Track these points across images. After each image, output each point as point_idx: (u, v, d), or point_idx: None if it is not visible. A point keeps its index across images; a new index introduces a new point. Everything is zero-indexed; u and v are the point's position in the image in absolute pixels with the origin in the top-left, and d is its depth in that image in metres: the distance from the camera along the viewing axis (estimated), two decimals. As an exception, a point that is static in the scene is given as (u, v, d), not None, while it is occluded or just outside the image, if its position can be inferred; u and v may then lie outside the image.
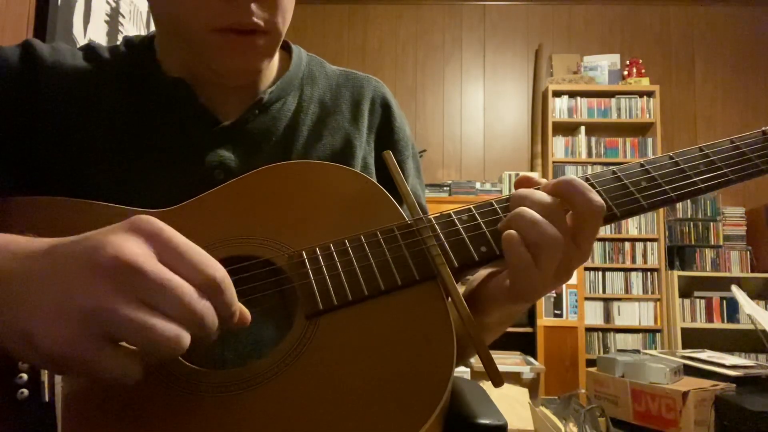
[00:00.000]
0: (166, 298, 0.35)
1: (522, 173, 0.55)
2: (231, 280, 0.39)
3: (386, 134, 0.71)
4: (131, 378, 0.36)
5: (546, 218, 0.46)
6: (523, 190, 0.50)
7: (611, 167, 0.54)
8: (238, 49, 0.56)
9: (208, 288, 0.38)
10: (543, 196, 0.48)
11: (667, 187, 0.52)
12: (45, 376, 0.42)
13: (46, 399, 0.41)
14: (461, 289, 0.53)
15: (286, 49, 0.71)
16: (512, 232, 0.47)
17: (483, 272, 0.55)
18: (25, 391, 0.41)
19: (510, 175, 3.98)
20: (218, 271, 0.38)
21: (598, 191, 0.52)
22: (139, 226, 0.37)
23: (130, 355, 0.36)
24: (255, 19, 0.54)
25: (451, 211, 0.52)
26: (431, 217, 0.52)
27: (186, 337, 0.36)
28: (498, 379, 0.44)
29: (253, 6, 0.53)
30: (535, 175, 0.53)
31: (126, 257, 0.35)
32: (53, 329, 0.34)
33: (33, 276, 0.36)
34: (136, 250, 0.35)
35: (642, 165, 0.53)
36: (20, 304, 0.35)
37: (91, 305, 0.34)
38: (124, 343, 0.36)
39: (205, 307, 0.37)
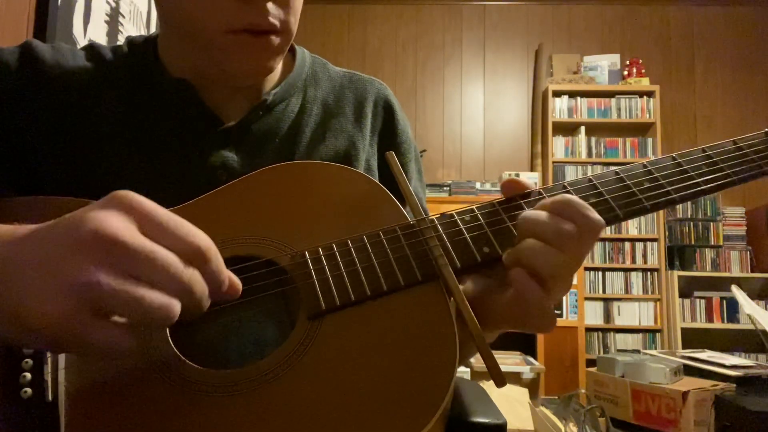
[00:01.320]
0: (151, 268, 0.35)
1: (511, 177, 0.54)
2: (216, 248, 0.40)
3: (389, 137, 0.71)
4: (124, 351, 0.37)
5: (559, 247, 0.45)
6: (532, 214, 0.47)
7: (614, 168, 0.54)
8: (254, 50, 0.55)
9: (194, 256, 0.38)
10: (558, 226, 0.45)
11: (669, 188, 0.52)
12: (48, 375, 0.42)
13: (50, 398, 0.41)
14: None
15: (290, 50, 0.71)
16: (525, 274, 0.45)
17: (478, 286, 0.54)
18: (29, 390, 0.41)
19: (510, 175, 3.95)
20: (202, 240, 0.38)
21: (600, 192, 0.52)
22: (119, 201, 0.37)
23: (121, 327, 0.36)
24: (271, 19, 0.54)
25: (453, 212, 0.52)
26: (433, 217, 0.52)
27: (176, 305, 0.36)
28: (500, 379, 0.44)
29: (270, 6, 0.53)
30: (529, 178, 0.53)
31: (107, 230, 0.35)
32: (42, 308, 0.34)
33: (17, 259, 0.36)
34: (116, 223, 0.36)
35: (645, 166, 0.53)
36: (7, 288, 0.35)
37: (76, 281, 0.34)
38: (116, 318, 0.36)
39: (192, 275, 0.37)
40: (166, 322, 0.36)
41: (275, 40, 0.56)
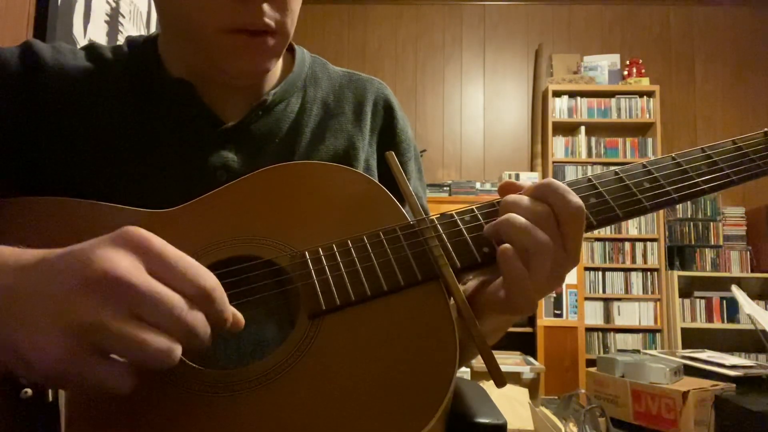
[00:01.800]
0: (156, 310, 0.35)
1: (510, 178, 0.54)
2: (222, 287, 0.39)
3: (389, 136, 0.71)
4: (123, 390, 0.36)
5: (535, 224, 0.46)
6: (511, 197, 0.50)
7: (613, 168, 0.54)
8: (249, 51, 0.56)
9: (200, 298, 0.38)
10: (531, 203, 0.48)
11: (669, 188, 0.52)
12: (48, 376, 0.42)
13: (50, 399, 0.41)
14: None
15: (290, 50, 0.71)
16: (508, 246, 0.47)
17: (475, 281, 0.55)
18: (29, 391, 0.41)
19: (510, 175, 3.97)
20: (209, 280, 0.38)
21: (600, 192, 0.52)
22: (127, 238, 0.37)
23: (122, 367, 0.36)
24: (266, 20, 0.54)
25: (453, 212, 0.52)
26: (433, 217, 0.52)
27: (177, 349, 0.36)
28: (501, 379, 0.44)
29: (265, 6, 0.53)
30: (529, 178, 0.53)
31: (115, 272, 0.35)
32: (43, 346, 0.34)
33: (21, 291, 0.36)
34: (124, 263, 0.35)
35: (644, 166, 0.53)
36: (9, 320, 0.35)
37: (81, 320, 0.34)
38: (115, 356, 0.36)
39: (196, 318, 0.37)
40: (165, 365, 0.36)
41: (271, 40, 0.56)
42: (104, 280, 0.35)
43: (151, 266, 0.37)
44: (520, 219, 0.47)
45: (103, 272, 0.35)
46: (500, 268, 0.47)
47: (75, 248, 0.37)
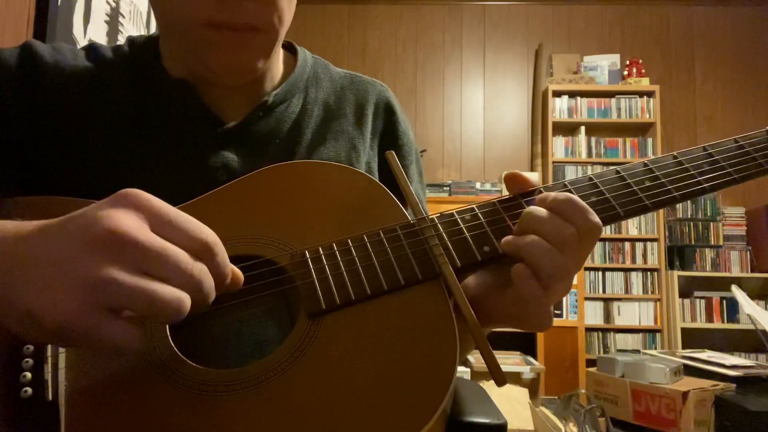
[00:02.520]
0: (163, 264, 0.36)
1: (511, 171, 0.53)
2: (221, 242, 0.41)
3: (390, 139, 0.71)
4: (133, 346, 0.37)
5: (560, 248, 0.45)
6: (537, 211, 0.47)
7: (614, 167, 0.54)
8: (231, 46, 0.55)
9: (202, 252, 0.39)
10: (559, 224, 0.46)
11: (670, 187, 0.52)
12: (48, 374, 0.42)
13: (50, 398, 0.41)
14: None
15: (291, 50, 0.71)
16: (522, 266, 0.46)
17: (480, 285, 0.54)
18: (29, 390, 0.41)
19: (510, 175, 3.97)
20: (209, 235, 0.40)
21: (601, 191, 0.52)
22: (130, 199, 0.38)
23: (132, 323, 0.37)
24: (248, 17, 0.54)
25: (453, 211, 0.52)
26: (434, 216, 0.52)
27: (187, 300, 0.37)
28: (501, 378, 0.44)
29: (247, 5, 0.53)
30: (533, 175, 0.53)
31: (121, 229, 0.36)
32: (56, 304, 0.35)
33: (26, 256, 0.37)
34: (129, 222, 0.36)
35: (645, 165, 0.53)
36: (19, 285, 0.36)
37: (91, 278, 0.35)
38: (127, 313, 0.37)
39: (201, 270, 0.38)
40: (177, 317, 0.37)
41: (256, 38, 0.56)
42: (112, 238, 0.35)
43: (154, 224, 0.38)
44: (545, 244, 0.45)
45: (108, 230, 0.36)
46: (516, 287, 0.47)
47: (75, 214, 0.38)
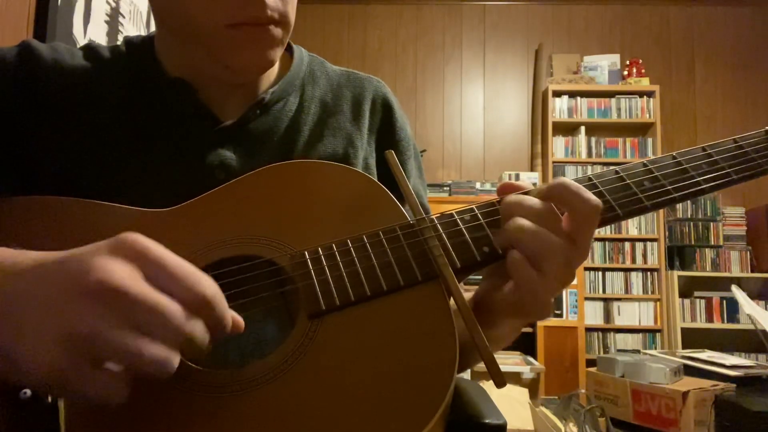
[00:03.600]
0: (153, 319, 0.35)
1: (510, 178, 0.54)
2: (222, 292, 0.39)
3: (387, 135, 0.71)
4: (118, 399, 0.36)
5: (544, 226, 0.46)
6: (513, 197, 0.49)
7: (614, 167, 0.53)
8: (254, 42, 0.56)
9: (199, 305, 0.37)
10: (535, 203, 0.47)
11: (670, 187, 0.52)
12: (47, 376, 0.42)
13: (49, 400, 0.41)
14: (466, 294, 0.53)
15: (288, 49, 0.71)
16: (516, 252, 0.46)
17: (485, 284, 0.54)
18: (28, 392, 0.41)
19: (510, 175, 3.97)
20: (208, 287, 0.38)
21: (600, 191, 0.52)
22: (126, 245, 0.36)
23: (117, 377, 0.36)
24: (270, 12, 0.54)
25: (453, 211, 0.52)
26: (433, 216, 0.52)
27: (174, 358, 0.36)
28: (500, 379, 0.44)
29: None
30: (529, 178, 0.53)
31: (111, 281, 0.34)
32: (37, 354, 0.34)
33: (17, 296, 0.36)
34: (121, 273, 0.35)
35: (645, 165, 0.53)
36: (3, 325, 0.35)
37: (76, 330, 0.34)
38: (111, 365, 0.36)
39: (194, 327, 0.37)
40: (163, 375, 0.35)
41: (275, 30, 0.56)
42: (100, 289, 0.34)
43: (149, 274, 0.36)
44: (527, 223, 0.46)
45: (99, 282, 0.34)
46: (510, 275, 0.47)
47: (72, 255, 0.37)
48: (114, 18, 1.63)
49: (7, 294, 0.36)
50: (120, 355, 0.34)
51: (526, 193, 0.51)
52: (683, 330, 3.75)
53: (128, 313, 0.34)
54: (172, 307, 0.36)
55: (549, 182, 0.48)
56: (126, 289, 0.34)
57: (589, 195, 0.46)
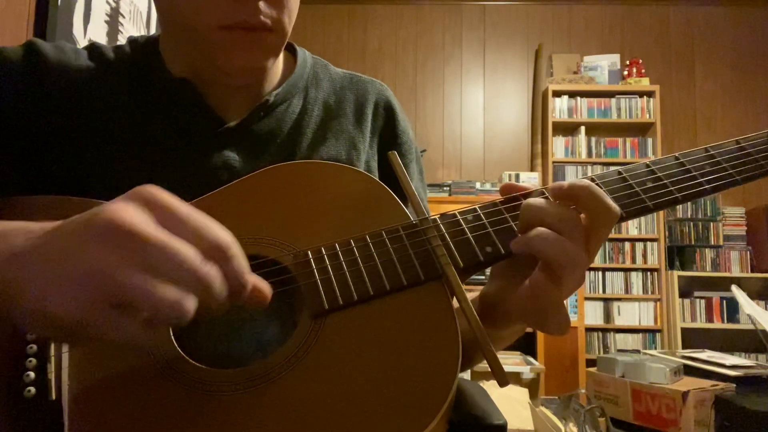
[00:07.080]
0: (164, 260, 0.34)
1: (511, 179, 0.54)
2: (239, 246, 0.38)
3: (390, 138, 0.71)
4: (141, 343, 0.36)
5: (568, 237, 0.44)
6: (536, 201, 0.47)
7: (616, 168, 0.53)
8: (246, 46, 0.56)
9: (214, 252, 0.37)
10: (563, 213, 0.45)
11: (672, 188, 0.52)
12: (52, 374, 0.42)
13: (53, 397, 0.41)
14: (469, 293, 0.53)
15: (291, 50, 0.71)
16: (541, 275, 0.45)
17: (495, 284, 0.54)
18: (32, 389, 0.41)
19: (510, 175, 3.98)
20: (222, 236, 0.37)
21: (604, 192, 0.52)
22: (137, 193, 0.37)
23: (136, 321, 0.35)
24: (262, 18, 0.54)
25: (456, 211, 0.52)
26: (436, 216, 0.52)
27: (190, 302, 0.35)
28: (503, 379, 0.44)
29: (261, 4, 0.54)
30: (529, 178, 0.53)
31: (120, 221, 0.34)
32: (60, 298, 0.34)
33: (34, 252, 0.36)
34: (130, 213, 0.35)
35: (647, 165, 0.53)
36: (26, 280, 0.35)
37: (90, 270, 0.34)
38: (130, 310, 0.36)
39: (210, 271, 0.36)
40: (179, 319, 0.35)
41: (268, 38, 0.56)
42: (111, 230, 0.34)
43: (162, 219, 0.36)
44: (554, 235, 0.44)
45: (109, 221, 0.34)
46: (532, 291, 0.46)
47: (85, 211, 0.37)
48: (114, 18, 1.63)
49: (25, 254, 0.37)
50: (134, 296, 0.34)
51: (541, 192, 0.50)
52: (683, 330, 3.75)
53: (140, 253, 0.34)
54: (184, 248, 0.35)
55: (571, 182, 0.46)
56: (136, 229, 0.34)
57: (611, 202, 0.45)
